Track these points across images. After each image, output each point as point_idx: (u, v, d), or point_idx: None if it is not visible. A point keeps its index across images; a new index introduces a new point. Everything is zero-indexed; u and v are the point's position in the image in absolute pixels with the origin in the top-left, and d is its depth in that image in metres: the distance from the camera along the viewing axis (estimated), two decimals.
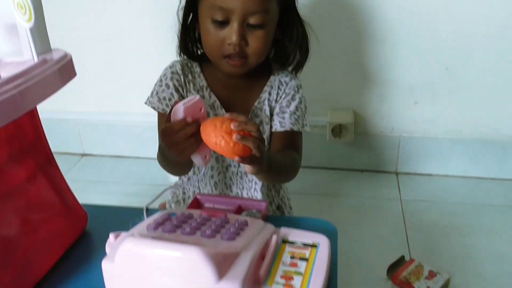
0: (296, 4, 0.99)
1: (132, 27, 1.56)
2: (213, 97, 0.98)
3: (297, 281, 0.55)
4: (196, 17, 0.97)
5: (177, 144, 0.72)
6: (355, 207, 1.49)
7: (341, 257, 0.66)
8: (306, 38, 1.02)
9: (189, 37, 1.00)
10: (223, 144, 0.67)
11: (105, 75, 1.66)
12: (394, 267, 1.19)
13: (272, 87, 1.00)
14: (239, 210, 0.74)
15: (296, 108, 1.00)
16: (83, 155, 1.81)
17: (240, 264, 0.53)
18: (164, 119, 0.92)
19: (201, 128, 0.70)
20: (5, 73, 0.54)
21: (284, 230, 0.65)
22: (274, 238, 0.61)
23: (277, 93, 1.00)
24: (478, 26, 1.40)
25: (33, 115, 0.61)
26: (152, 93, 0.99)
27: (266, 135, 1.00)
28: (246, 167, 0.76)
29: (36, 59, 0.57)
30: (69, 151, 1.79)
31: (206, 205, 0.77)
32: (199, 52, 1.02)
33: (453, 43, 1.43)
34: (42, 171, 0.64)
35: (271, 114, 1.00)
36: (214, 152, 0.97)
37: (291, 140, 1.00)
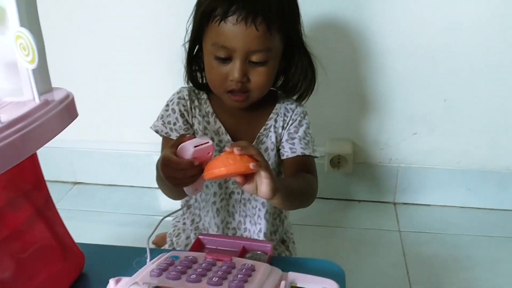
0: (302, 36, 0.99)
1: (129, 56, 1.55)
2: (218, 123, 0.99)
3: None
4: (201, 48, 0.97)
5: (175, 179, 0.72)
6: (354, 238, 1.47)
7: None
8: (312, 69, 1.01)
9: (196, 67, 1.01)
10: (231, 162, 0.67)
11: (100, 103, 1.64)
12: None
13: (278, 115, 1.01)
14: (243, 252, 0.72)
15: (305, 133, 1.00)
16: (75, 183, 1.78)
17: None
18: (167, 142, 0.92)
19: (205, 169, 0.70)
20: (5, 114, 0.52)
21: (292, 275, 0.63)
22: (283, 284, 0.59)
23: (284, 120, 1.01)
24: (476, 60, 1.41)
25: (33, 158, 0.59)
26: (158, 118, 0.99)
27: (271, 162, 1.00)
28: (262, 191, 0.71)
29: (37, 100, 0.55)
30: (61, 179, 1.76)
31: (208, 246, 0.75)
32: (205, 81, 1.02)
33: (452, 76, 1.44)
34: (40, 214, 0.62)
35: (277, 142, 1.01)
36: (220, 181, 0.98)
37: (304, 164, 0.98)
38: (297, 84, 1.01)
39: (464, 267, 1.33)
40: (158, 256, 0.64)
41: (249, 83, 0.91)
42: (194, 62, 1.00)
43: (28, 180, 0.60)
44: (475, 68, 1.42)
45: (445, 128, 1.51)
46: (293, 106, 1.02)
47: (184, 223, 1.08)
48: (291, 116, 1.01)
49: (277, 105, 1.02)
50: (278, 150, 1.01)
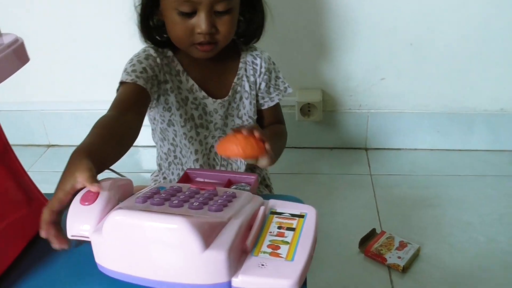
0: None
1: (96, 14, 1.53)
2: (191, 81, 0.99)
3: (283, 250, 0.55)
4: (156, 6, 0.96)
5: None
6: (326, 184, 1.50)
7: None
8: (264, 15, 1.02)
9: (151, 26, 0.99)
10: (249, 147, 0.75)
11: (69, 63, 1.62)
12: (366, 240, 1.21)
13: (246, 63, 1.03)
14: (229, 184, 0.74)
15: (276, 78, 1.05)
16: (49, 146, 1.77)
17: (227, 233, 0.53)
18: (129, 89, 0.89)
19: (221, 145, 0.77)
20: None
21: (272, 202, 0.65)
22: (262, 209, 0.61)
23: (253, 68, 1.03)
24: (440, 2, 1.42)
25: None
26: (122, 72, 0.95)
27: (246, 110, 1.04)
28: (263, 164, 0.81)
29: None
30: (35, 143, 1.76)
31: (197, 179, 0.76)
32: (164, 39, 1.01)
33: (417, 19, 1.45)
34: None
35: (251, 89, 1.03)
36: (200, 137, 1.02)
37: (278, 111, 1.08)
38: (255, 30, 1.01)
39: (432, 205, 1.38)
40: (145, 188, 0.65)
41: (217, 33, 0.91)
42: (149, 21, 0.98)
43: None
44: (440, 10, 1.43)
45: (412, 72, 1.53)
46: (258, 53, 1.03)
47: (165, 178, 1.10)
48: (260, 64, 1.03)
49: (242, 54, 1.03)
50: (253, 98, 1.03)
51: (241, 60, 1.02)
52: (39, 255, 0.65)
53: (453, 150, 1.63)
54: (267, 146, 0.78)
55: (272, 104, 1.05)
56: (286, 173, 1.55)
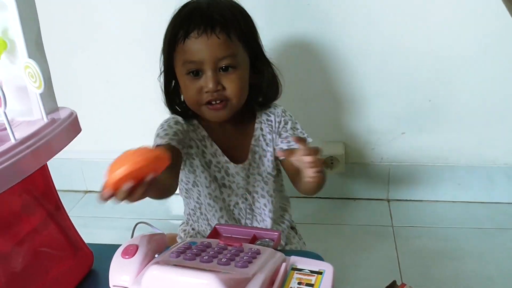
0: (263, 48, 1.07)
1: (134, 74, 1.65)
2: (214, 145, 1.06)
3: None
4: (173, 77, 1.04)
5: None
6: (349, 234, 1.55)
7: (336, 284, 0.72)
8: (276, 77, 1.08)
9: (175, 99, 1.07)
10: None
11: (104, 114, 1.74)
12: None
13: (261, 123, 1.08)
14: (253, 239, 0.80)
15: (293, 127, 1.09)
16: (86, 192, 1.87)
17: None
18: (169, 149, 0.95)
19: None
20: (18, 132, 0.61)
21: (293, 258, 0.71)
22: (284, 265, 0.67)
23: (269, 125, 1.08)
24: (459, 60, 1.49)
25: (44, 168, 0.68)
26: (154, 139, 1.02)
27: (265, 167, 1.09)
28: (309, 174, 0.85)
29: (45, 119, 0.64)
30: (73, 188, 1.86)
31: (224, 234, 0.83)
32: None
33: (436, 76, 1.52)
34: (51, 217, 0.71)
35: (268, 147, 1.08)
36: (224, 196, 1.09)
37: None
38: (266, 92, 1.07)
39: (453, 258, 1.40)
40: (178, 242, 0.73)
41: (224, 91, 0.97)
42: (174, 95, 1.07)
43: (39, 188, 0.69)
44: (458, 67, 1.50)
45: (432, 127, 1.59)
46: (271, 109, 1.09)
47: (193, 229, 1.16)
48: (274, 119, 1.08)
49: (257, 114, 1.09)
50: (271, 155, 1.09)
51: (257, 121, 1.08)
52: None
53: (474, 202, 1.65)
54: (309, 158, 0.80)
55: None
56: (309, 222, 1.61)
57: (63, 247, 0.74)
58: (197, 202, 1.12)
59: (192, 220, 1.16)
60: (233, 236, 0.83)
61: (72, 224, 0.77)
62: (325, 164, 1.61)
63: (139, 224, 1.02)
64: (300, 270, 0.69)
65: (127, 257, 0.67)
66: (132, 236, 0.85)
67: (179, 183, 1.10)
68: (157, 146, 0.97)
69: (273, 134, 1.08)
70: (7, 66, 0.67)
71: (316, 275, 0.68)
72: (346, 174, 1.66)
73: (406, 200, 1.69)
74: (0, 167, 0.54)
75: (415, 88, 1.54)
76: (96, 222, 1.67)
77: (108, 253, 0.84)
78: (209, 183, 1.07)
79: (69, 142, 0.67)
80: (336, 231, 1.57)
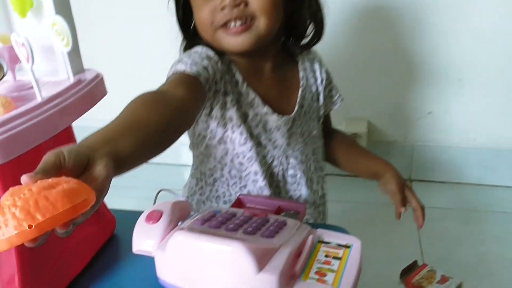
0: None
1: (158, 36, 1.63)
2: (252, 94, 0.84)
3: (330, 277, 0.59)
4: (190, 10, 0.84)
5: None
6: (369, 213, 1.52)
7: None
8: (320, 7, 0.87)
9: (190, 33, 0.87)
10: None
11: (130, 84, 1.72)
12: (407, 272, 1.22)
13: (305, 70, 0.91)
14: (278, 211, 0.79)
15: (332, 80, 0.96)
16: None
17: (278, 259, 0.57)
18: (185, 77, 0.72)
19: None
20: (45, 92, 0.60)
21: (320, 231, 0.69)
22: (310, 237, 0.66)
23: (313, 76, 0.92)
24: (491, 39, 1.44)
25: (69, 130, 0.67)
26: (172, 67, 0.79)
27: (309, 126, 0.92)
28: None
29: (72, 80, 0.63)
30: None
31: (248, 205, 0.81)
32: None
33: (465, 55, 1.47)
34: None
35: (313, 101, 0.93)
36: (259, 158, 0.87)
37: (330, 115, 1.02)
38: (305, 26, 0.87)
39: (476, 241, 1.38)
40: (202, 210, 0.71)
41: (247, 8, 0.75)
42: (188, 26, 0.86)
43: None
44: (489, 47, 1.45)
45: (460, 107, 1.55)
46: (314, 56, 0.94)
47: (201, 194, 0.96)
48: (320, 70, 0.92)
49: (299, 59, 0.91)
50: (314, 111, 0.93)
51: (300, 67, 0.90)
52: (105, 264, 0.72)
53: (500, 186, 1.62)
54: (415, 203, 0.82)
55: (335, 107, 0.97)
56: (329, 200, 1.59)
57: None
58: (219, 162, 0.89)
59: (207, 182, 0.93)
60: (257, 207, 0.82)
61: None
62: None
63: (161, 192, 1.01)
64: (327, 243, 0.68)
65: (151, 222, 0.66)
66: (154, 203, 0.84)
67: (198, 139, 0.89)
68: (175, 73, 0.74)
69: (318, 86, 0.92)
70: (33, 25, 0.66)
71: (343, 248, 0.67)
72: None
73: (430, 181, 1.66)
74: (27, 125, 0.54)
75: (445, 66, 1.49)
76: (114, 191, 1.66)
77: (130, 219, 0.84)
78: (244, 140, 0.85)
79: (95, 104, 0.66)
80: (356, 209, 1.55)
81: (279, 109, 0.86)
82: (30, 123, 0.54)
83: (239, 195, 0.83)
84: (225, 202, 0.93)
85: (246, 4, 0.75)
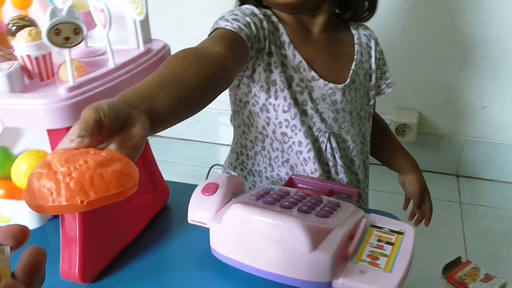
0: None
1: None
2: (298, 57, 0.80)
3: (382, 261, 0.60)
4: None
5: None
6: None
7: None
8: None
9: None
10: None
11: None
12: (450, 267, 1.21)
13: (361, 46, 0.87)
14: (330, 194, 0.79)
15: (386, 62, 0.92)
16: (152, 136, 1.91)
17: (332, 239, 0.58)
18: (228, 34, 0.70)
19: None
20: (116, 60, 0.62)
21: (372, 216, 0.69)
22: (364, 221, 0.66)
23: (368, 53, 0.88)
24: None
25: None
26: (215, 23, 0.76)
27: (358, 104, 0.87)
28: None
29: (142, 48, 0.64)
30: None
31: (299, 185, 0.81)
32: None
33: None
34: None
35: (365, 79, 0.88)
36: (305, 128, 0.82)
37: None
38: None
39: None
40: (256, 187, 0.72)
41: None
42: None
43: None
44: None
45: None
46: (370, 32, 0.89)
47: (242, 169, 0.92)
48: (375, 47, 0.88)
49: (354, 33, 0.87)
50: (364, 90, 0.89)
51: (356, 41, 0.86)
52: (159, 232, 0.74)
53: None
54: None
55: (388, 90, 0.92)
56: (373, 189, 1.57)
57: (144, 179, 0.75)
58: (260, 133, 0.85)
59: (249, 155, 0.89)
60: (308, 188, 0.82)
61: (154, 158, 0.78)
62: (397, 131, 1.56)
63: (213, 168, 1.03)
64: (380, 228, 0.67)
65: (207, 194, 0.67)
66: (207, 178, 0.86)
67: (239, 106, 0.85)
68: (216, 29, 0.72)
69: (372, 64, 0.88)
70: None
71: (396, 234, 0.66)
72: (416, 144, 1.61)
73: (477, 178, 1.62)
74: (100, 89, 0.55)
75: (502, 60, 1.44)
76: (160, 165, 1.69)
77: (181, 190, 0.86)
78: (288, 107, 0.80)
79: None
80: (400, 200, 1.53)
81: (327, 77, 0.82)
82: (103, 87, 0.55)
83: (291, 175, 0.83)
84: (267, 178, 0.89)
85: None
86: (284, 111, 0.81)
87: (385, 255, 0.62)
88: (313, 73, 0.80)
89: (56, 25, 0.48)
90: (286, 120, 0.82)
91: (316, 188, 0.81)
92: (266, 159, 0.87)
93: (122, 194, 0.37)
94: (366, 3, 0.84)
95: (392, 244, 0.64)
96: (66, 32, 0.49)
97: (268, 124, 0.84)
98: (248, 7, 0.78)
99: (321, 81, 0.81)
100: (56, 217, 0.68)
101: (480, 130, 1.56)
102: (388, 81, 0.92)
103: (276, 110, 0.81)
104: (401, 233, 0.67)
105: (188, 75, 0.53)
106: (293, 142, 0.84)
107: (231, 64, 0.65)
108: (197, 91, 0.54)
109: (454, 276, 1.17)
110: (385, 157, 1.01)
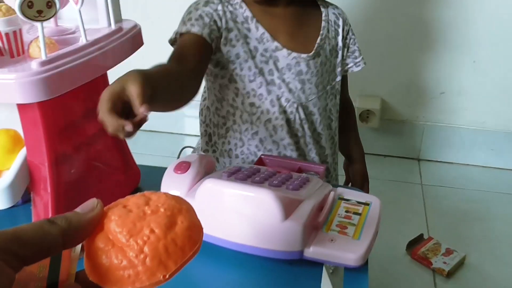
0: None
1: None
2: (261, 29, 0.84)
3: (350, 230, 0.62)
4: None
5: None
6: (377, 188, 1.54)
7: None
8: None
9: None
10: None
11: (145, 52, 1.73)
12: (413, 244, 1.25)
13: (329, 22, 0.90)
14: (299, 171, 0.81)
15: (355, 41, 0.94)
16: None
17: (303, 209, 0.60)
18: (186, 40, 0.79)
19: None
20: (88, 36, 0.62)
21: (340, 189, 0.72)
22: (332, 194, 0.68)
23: (335, 30, 0.90)
24: (507, 22, 1.45)
25: (104, 76, 0.69)
26: (181, 23, 0.83)
27: (324, 78, 0.89)
28: None
29: (113, 27, 0.64)
30: None
31: (269, 164, 0.83)
32: None
33: (482, 37, 1.48)
34: None
35: (331, 55, 0.91)
36: (272, 97, 0.85)
37: (347, 80, 0.99)
38: None
39: (480, 218, 1.41)
40: (226, 167, 0.73)
41: None
42: None
43: (100, 95, 0.70)
44: (505, 30, 1.46)
45: (473, 89, 1.56)
46: (340, 11, 0.92)
47: (214, 151, 0.96)
48: (343, 25, 0.90)
49: (323, 10, 0.90)
50: (331, 66, 0.91)
51: (323, 18, 0.89)
52: None
53: (506, 169, 1.64)
54: None
55: (356, 69, 0.94)
56: (339, 174, 1.61)
57: (116, 161, 0.76)
58: (231, 106, 0.88)
59: (219, 134, 0.92)
60: (278, 166, 0.84)
61: (126, 143, 0.78)
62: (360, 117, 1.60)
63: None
64: (347, 200, 0.70)
65: (179, 172, 0.68)
66: (178, 158, 0.86)
67: (211, 80, 0.90)
68: (181, 34, 0.80)
69: (339, 41, 0.91)
70: None
71: (363, 205, 0.69)
72: (380, 129, 1.65)
73: (437, 161, 1.68)
74: (72, 64, 0.55)
75: (460, 47, 1.50)
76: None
77: (152, 174, 0.86)
78: (253, 76, 0.85)
79: (133, 53, 0.67)
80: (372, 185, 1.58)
81: (290, 47, 0.85)
82: (75, 62, 0.55)
83: (261, 155, 0.85)
84: (236, 156, 0.91)
85: None
86: (250, 81, 0.85)
87: (353, 225, 0.64)
88: (276, 43, 0.84)
89: None
90: (253, 89, 0.85)
91: (285, 167, 0.83)
92: (236, 133, 0.90)
93: (197, 251, 0.35)
94: None
95: (359, 214, 0.67)
96: (39, 5, 0.49)
97: (237, 95, 0.87)
98: None
99: (285, 50, 0.84)
100: (27, 201, 0.68)
101: (439, 115, 1.62)
102: (357, 60, 0.94)
103: (242, 80, 0.85)
104: (368, 204, 0.70)
105: (164, 88, 0.62)
106: (261, 112, 0.87)
107: (198, 74, 0.77)
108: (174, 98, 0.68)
109: (418, 252, 1.22)
110: (340, 141, 1.02)
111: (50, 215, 0.63)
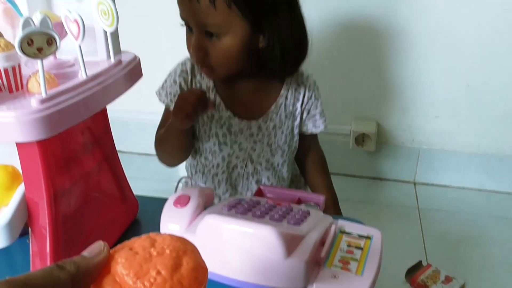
0: (280, 8, 0.87)
1: (167, 28, 1.63)
2: (218, 99, 0.96)
3: (353, 265, 0.61)
4: None
5: (189, 114, 0.85)
6: (374, 213, 1.54)
7: None
8: (302, 36, 0.92)
9: None
10: None
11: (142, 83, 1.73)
12: (412, 271, 1.24)
13: (289, 90, 0.98)
14: (298, 203, 0.80)
15: (322, 107, 1.02)
16: None
17: (305, 245, 0.59)
18: (168, 113, 0.98)
19: None
20: (87, 71, 0.61)
21: (341, 222, 0.71)
22: (333, 227, 0.67)
23: (295, 97, 0.98)
24: (500, 46, 1.46)
25: (104, 110, 0.68)
26: (162, 84, 1.01)
27: (277, 139, 1.00)
28: None
29: (113, 60, 0.64)
30: None
31: (268, 195, 0.83)
32: None
33: (476, 61, 1.49)
34: (107, 161, 0.71)
35: (286, 118, 0.99)
36: (223, 154, 1.00)
37: (316, 137, 1.08)
38: (275, 62, 0.89)
39: (478, 243, 1.40)
40: (227, 199, 0.72)
41: (208, 57, 0.88)
42: None
43: (99, 129, 0.69)
44: (498, 54, 1.47)
45: (467, 113, 1.57)
46: (303, 80, 0.99)
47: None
48: (305, 92, 0.98)
49: (287, 80, 0.97)
50: (287, 129, 1.00)
51: (284, 86, 0.98)
52: None
53: (501, 192, 1.64)
54: None
55: (316, 131, 1.03)
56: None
57: (114, 193, 0.74)
58: (194, 158, 1.06)
59: (192, 172, 1.10)
60: (277, 198, 0.83)
61: (123, 171, 0.77)
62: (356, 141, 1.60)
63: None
64: (349, 233, 0.69)
65: (179, 206, 0.67)
66: (175, 191, 0.85)
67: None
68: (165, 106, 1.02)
69: (297, 107, 0.99)
70: (74, 5, 0.66)
71: (364, 239, 0.68)
72: (375, 153, 1.65)
73: (433, 184, 1.68)
74: (73, 100, 0.54)
75: (454, 71, 1.52)
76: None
77: (149, 204, 0.85)
78: (209, 138, 0.99)
79: (132, 85, 0.67)
80: (361, 208, 1.57)
81: (244, 115, 0.97)
82: (75, 99, 0.54)
83: (260, 185, 0.84)
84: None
85: (207, 54, 0.88)
86: (206, 141, 1.00)
87: (356, 260, 0.63)
88: (229, 113, 0.96)
89: (28, 35, 0.47)
90: (210, 147, 1.00)
91: (285, 198, 0.82)
92: (202, 175, 1.06)
93: None
94: (287, 57, 0.90)
95: (361, 248, 0.66)
96: (39, 43, 0.48)
97: (197, 150, 1.03)
98: (183, 64, 0.98)
99: (236, 118, 0.97)
100: (24, 235, 0.66)
101: (433, 138, 1.62)
102: (317, 123, 1.02)
103: (202, 139, 1.01)
104: (369, 238, 0.69)
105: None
106: (212, 165, 1.02)
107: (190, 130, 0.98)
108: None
109: (417, 279, 1.21)
110: (313, 188, 1.10)
111: (48, 251, 0.62)
